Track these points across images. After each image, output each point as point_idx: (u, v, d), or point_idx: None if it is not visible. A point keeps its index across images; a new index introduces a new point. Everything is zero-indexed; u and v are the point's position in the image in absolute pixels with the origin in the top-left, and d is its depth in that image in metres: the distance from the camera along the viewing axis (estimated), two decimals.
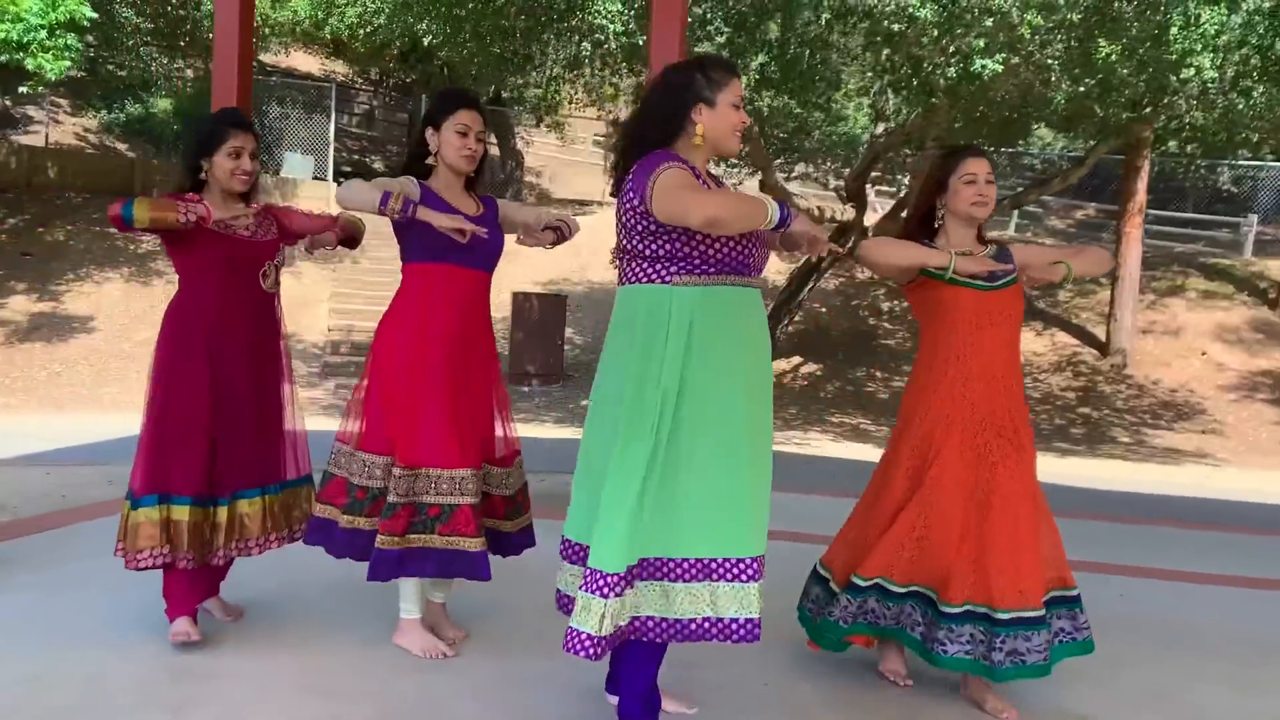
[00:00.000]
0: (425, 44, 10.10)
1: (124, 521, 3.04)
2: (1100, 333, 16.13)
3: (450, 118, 2.96)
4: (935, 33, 7.60)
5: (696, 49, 9.28)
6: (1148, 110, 10.77)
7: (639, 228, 2.42)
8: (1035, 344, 16.54)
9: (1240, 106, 8.88)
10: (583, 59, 9.65)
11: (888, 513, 2.88)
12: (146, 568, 3.00)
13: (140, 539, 2.97)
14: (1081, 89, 9.49)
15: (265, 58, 20.32)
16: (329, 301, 15.78)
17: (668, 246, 2.40)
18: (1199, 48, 8.09)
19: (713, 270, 2.40)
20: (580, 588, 2.30)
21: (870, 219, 14.73)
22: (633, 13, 8.69)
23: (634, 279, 2.47)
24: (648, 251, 2.42)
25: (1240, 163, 17.37)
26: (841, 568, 2.98)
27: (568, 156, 25.59)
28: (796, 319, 15.54)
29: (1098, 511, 6.99)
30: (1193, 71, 8.26)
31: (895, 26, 7.80)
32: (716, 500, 2.35)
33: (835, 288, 17.45)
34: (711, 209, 2.23)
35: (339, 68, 25.37)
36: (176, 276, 3.14)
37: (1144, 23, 8.06)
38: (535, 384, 13.55)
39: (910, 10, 7.51)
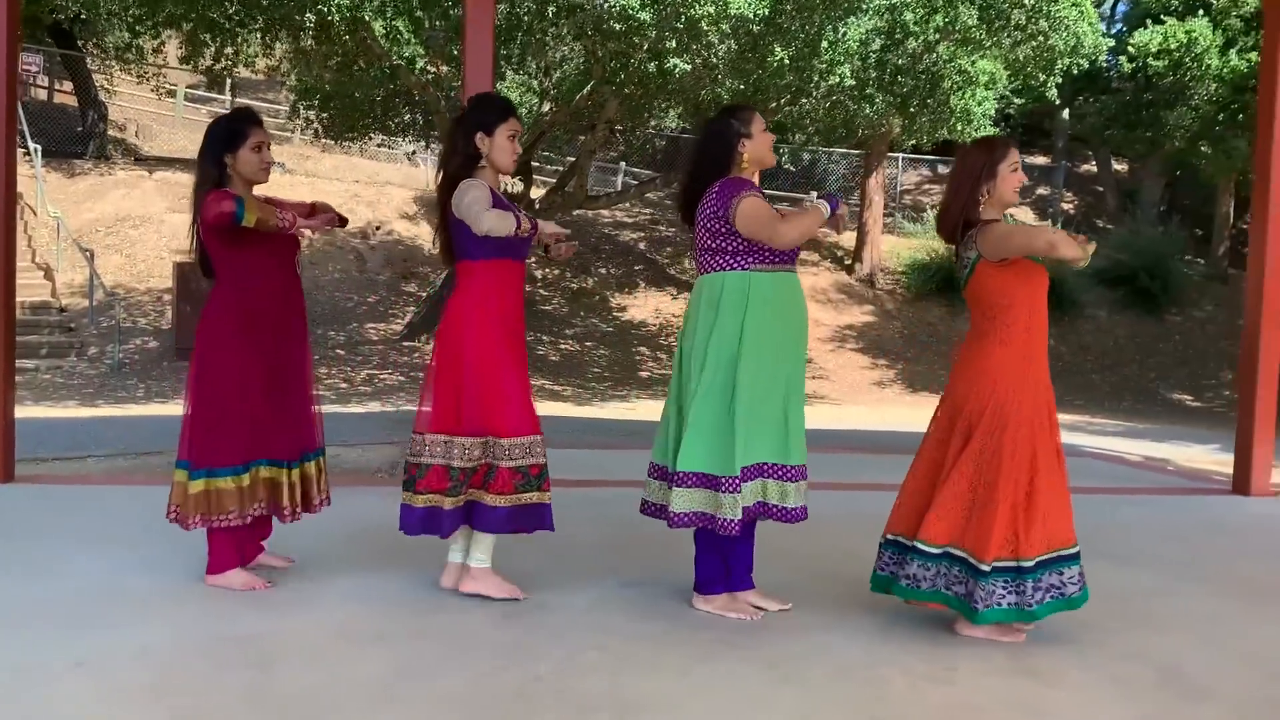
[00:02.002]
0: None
1: (197, 493, 3.33)
2: None
3: (503, 125, 3.30)
4: (652, 33, 8.58)
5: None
6: (781, 105, 12.62)
7: (721, 231, 3.22)
8: (673, 307, 18.47)
9: (867, 111, 10.88)
10: (305, 29, 9.48)
11: (1026, 483, 3.11)
12: (234, 525, 3.36)
13: (226, 503, 3.32)
14: (741, 86, 10.99)
15: None
16: None
17: (744, 244, 3.22)
18: (842, 59, 9.83)
19: (777, 261, 3.25)
20: (721, 490, 3.16)
21: (536, 192, 15.60)
22: None
23: (718, 268, 3.25)
24: (729, 247, 3.21)
25: (819, 149, 20.39)
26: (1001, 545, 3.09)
27: (160, 111, 23.66)
28: None
29: None
30: (836, 79, 10.00)
31: (616, 26, 8.69)
32: (798, 422, 3.30)
33: None
34: (790, 237, 3.14)
35: None
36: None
37: (806, 35, 9.63)
38: None
39: (630, 11, 8.43)
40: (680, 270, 19.73)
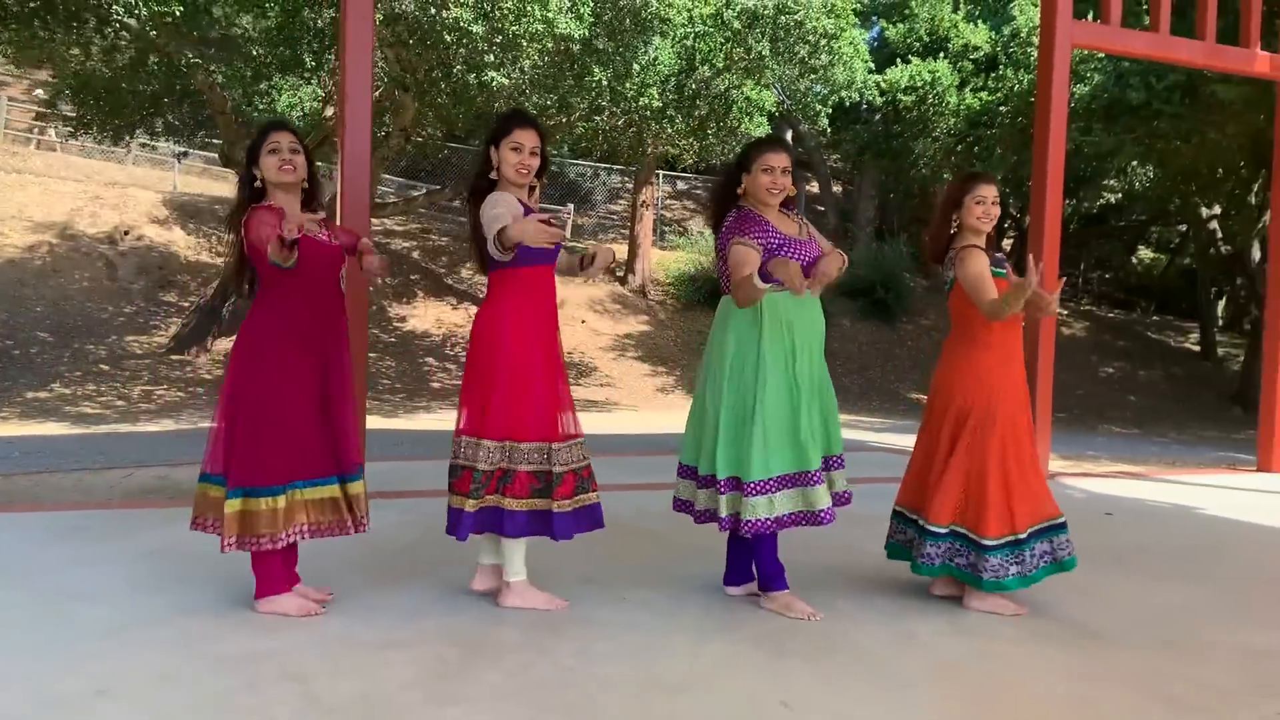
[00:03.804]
0: None
1: (233, 512, 3.20)
2: None
3: (506, 137, 3.33)
4: (480, 45, 8.65)
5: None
6: (574, 121, 12.98)
7: (724, 259, 3.51)
8: (454, 316, 18.34)
9: (669, 131, 11.44)
10: (112, 22, 8.63)
11: (1014, 467, 3.54)
12: (267, 550, 3.23)
13: (259, 525, 3.20)
14: (547, 103, 11.26)
15: None
16: None
17: None
18: (652, 81, 10.32)
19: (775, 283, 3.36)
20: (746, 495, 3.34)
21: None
22: None
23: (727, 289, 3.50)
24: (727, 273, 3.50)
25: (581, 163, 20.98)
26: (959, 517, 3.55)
27: None
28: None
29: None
30: (645, 100, 10.48)
31: (448, 37, 8.67)
32: (834, 417, 3.54)
33: None
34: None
35: None
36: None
37: (623, 57, 10.03)
38: None
39: (462, 24, 8.46)
40: (457, 280, 19.64)
